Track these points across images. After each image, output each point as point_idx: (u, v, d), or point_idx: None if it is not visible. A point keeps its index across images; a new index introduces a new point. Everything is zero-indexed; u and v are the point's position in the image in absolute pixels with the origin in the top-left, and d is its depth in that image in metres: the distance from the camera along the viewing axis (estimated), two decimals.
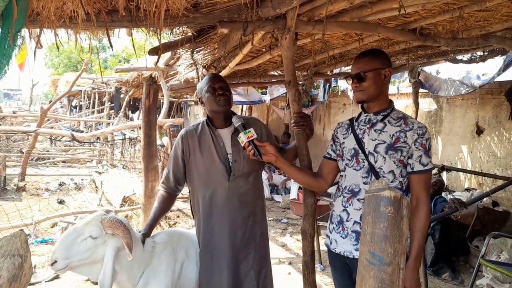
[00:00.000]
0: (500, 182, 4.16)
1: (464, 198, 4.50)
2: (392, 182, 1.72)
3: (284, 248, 4.80)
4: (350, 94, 7.29)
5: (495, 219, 4.38)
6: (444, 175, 5.47)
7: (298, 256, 4.42)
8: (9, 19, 1.68)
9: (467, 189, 5.38)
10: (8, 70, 1.78)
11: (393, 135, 1.71)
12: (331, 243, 1.87)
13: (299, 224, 5.65)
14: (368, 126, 1.79)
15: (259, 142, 1.84)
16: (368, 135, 1.77)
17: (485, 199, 4.64)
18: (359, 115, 1.88)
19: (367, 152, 1.76)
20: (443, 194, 4.70)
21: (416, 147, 1.68)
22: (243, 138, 1.82)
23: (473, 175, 5.46)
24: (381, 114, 1.78)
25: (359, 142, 1.79)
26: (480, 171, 5.33)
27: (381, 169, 1.72)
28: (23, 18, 1.71)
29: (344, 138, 1.89)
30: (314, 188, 1.99)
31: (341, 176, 1.88)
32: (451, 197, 4.49)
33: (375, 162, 1.73)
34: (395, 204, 0.90)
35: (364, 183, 1.76)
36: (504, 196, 4.90)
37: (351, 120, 1.92)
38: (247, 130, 1.84)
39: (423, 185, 1.69)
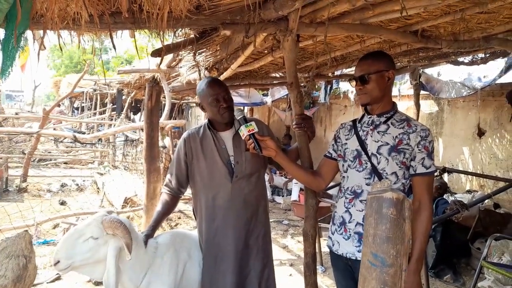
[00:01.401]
0: (501, 184, 4.15)
1: (466, 200, 4.49)
2: (395, 183, 1.72)
3: (285, 249, 4.80)
4: (351, 96, 7.29)
5: (496, 221, 4.37)
6: (446, 177, 5.45)
7: (299, 257, 4.42)
8: (13, 21, 1.69)
9: (469, 191, 5.37)
10: (12, 71, 1.80)
11: (396, 137, 1.71)
12: (333, 245, 1.87)
13: (300, 225, 5.65)
14: (371, 127, 1.80)
15: (260, 136, 1.84)
16: (371, 136, 1.78)
17: (486, 201, 4.63)
18: (362, 116, 1.89)
19: (369, 154, 1.76)
20: (445, 196, 4.69)
21: (419, 150, 1.69)
22: (244, 131, 1.82)
23: (474, 177, 5.45)
24: (385, 116, 1.78)
25: (362, 143, 1.79)
26: (481, 173, 5.32)
27: (384, 170, 1.72)
28: (26, 20, 1.73)
29: (346, 139, 1.89)
30: (312, 186, 2.00)
31: (343, 177, 1.88)
32: (453, 199, 4.49)
33: (378, 163, 1.73)
34: (397, 205, 0.90)
35: (367, 184, 1.76)
36: (505, 198, 4.89)
37: (354, 121, 1.92)
38: (248, 124, 1.84)
39: (425, 188, 1.69)
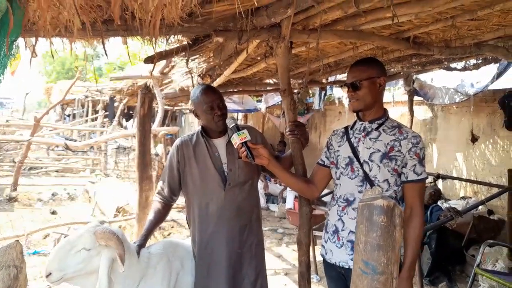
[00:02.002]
0: (495, 190, 4.17)
1: (460, 207, 4.51)
2: (387, 191, 1.72)
3: (280, 258, 4.76)
4: (346, 102, 7.32)
5: (490, 227, 4.38)
6: (440, 183, 5.48)
7: (294, 266, 4.39)
8: (4, 28, 1.67)
9: (463, 198, 5.39)
10: (3, 79, 1.77)
11: (388, 143, 1.72)
12: (326, 253, 1.86)
13: (295, 234, 5.62)
14: (363, 134, 1.79)
15: (253, 144, 1.83)
16: (363, 143, 1.77)
17: (480, 207, 4.65)
18: (354, 123, 1.89)
19: (361, 161, 1.75)
20: (439, 202, 4.70)
21: (410, 156, 1.69)
22: (236, 140, 1.81)
23: (468, 183, 5.48)
24: (376, 122, 1.78)
25: (354, 150, 1.79)
26: (475, 179, 5.34)
27: (376, 177, 1.71)
28: (19, 27, 1.71)
29: (339, 146, 1.88)
30: (306, 194, 1.99)
31: (336, 185, 1.87)
32: (447, 205, 4.50)
33: (370, 170, 1.72)
34: (388, 213, 0.90)
35: (359, 192, 1.75)
36: (499, 204, 4.91)
37: (346, 128, 1.92)
38: (240, 132, 1.83)
39: (417, 194, 1.69)
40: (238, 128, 1.88)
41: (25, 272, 1.46)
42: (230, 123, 1.94)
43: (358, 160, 1.76)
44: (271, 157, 1.86)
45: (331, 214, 1.86)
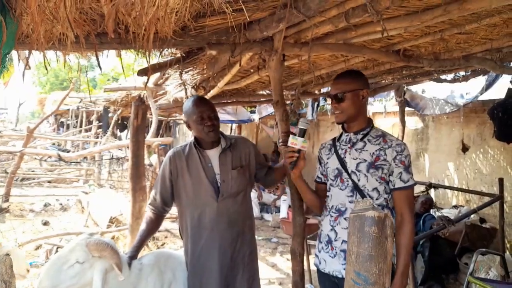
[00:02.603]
0: (486, 199, 4.21)
1: (452, 215, 4.53)
2: (377, 199, 1.74)
3: (274, 268, 4.74)
4: None
5: (482, 235, 4.41)
6: (432, 192, 5.52)
7: (289, 276, 4.37)
8: None
9: (455, 206, 5.43)
10: None
11: (373, 153, 1.75)
12: (320, 263, 1.87)
13: (289, 243, 5.60)
14: (349, 145, 1.83)
15: (304, 156, 1.82)
16: (350, 154, 1.81)
17: (472, 216, 4.68)
18: (341, 135, 1.92)
19: (349, 171, 1.78)
20: (431, 211, 4.73)
21: (396, 164, 1.71)
22: (298, 143, 1.77)
23: (460, 192, 5.53)
24: (361, 133, 1.82)
25: (342, 161, 1.82)
26: (466, 188, 5.39)
27: (365, 187, 1.74)
28: (12, 40, 1.72)
29: (327, 159, 1.92)
30: (319, 210, 1.99)
31: (328, 196, 1.90)
32: (439, 214, 4.53)
33: (358, 180, 1.75)
34: (379, 224, 0.92)
35: (350, 202, 1.78)
36: (491, 212, 4.95)
37: (334, 140, 1.95)
38: (305, 140, 1.80)
39: (405, 201, 1.71)
40: (304, 134, 1.83)
41: (14, 286, 1.44)
42: (303, 124, 1.84)
43: (346, 171, 1.79)
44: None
45: (324, 225, 1.88)
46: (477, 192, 4.91)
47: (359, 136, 1.82)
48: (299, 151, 1.79)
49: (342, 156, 1.83)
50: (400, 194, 1.72)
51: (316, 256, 1.91)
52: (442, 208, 5.53)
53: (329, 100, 7.55)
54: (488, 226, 4.71)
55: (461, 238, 4.22)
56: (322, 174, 1.97)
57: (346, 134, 1.87)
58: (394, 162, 1.71)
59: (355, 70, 2.00)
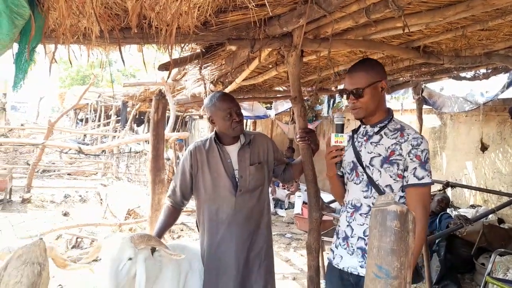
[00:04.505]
0: (505, 199, 4.14)
1: (469, 215, 4.46)
2: None
3: (288, 263, 4.77)
4: None
5: (500, 236, 4.33)
6: (449, 191, 5.44)
7: (302, 271, 4.39)
8: (26, 35, 1.75)
9: (472, 206, 5.34)
10: (23, 84, 1.85)
11: (389, 147, 1.65)
12: (334, 258, 1.83)
13: (303, 239, 5.63)
14: (365, 138, 1.76)
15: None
16: (365, 148, 1.73)
17: (490, 216, 4.60)
18: (359, 127, 1.85)
19: (364, 165, 1.71)
20: (448, 210, 4.68)
21: (410, 159, 1.59)
22: (343, 140, 1.67)
23: (478, 191, 5.44)
24: (378, 126, 1.73)
25: (357, 154, 1.75)
26: (485, 187, 5.30)
27: (378, 183, 1.67)
28: (39, 35, 1.78)
29: (345, 151, 1.83)
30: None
31: (346, 190, 1.86)
32: (456, 213, 4.47)
33: (372, 175, 1.68)
34: (401, 218, 0.92)
35: (365, 197, 1.71)
36: (509, 213, 4.86)
37: (352, 131, 1.89)
38: (339, 134, 1.69)
39: (418, 200, 1.58)
40: (343, 129, 1.74)
41: (47, 269, 1.51)
42: (340, 120, 1.74)
43: (361, 164, 1.72)
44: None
45: (341, 221, 1.85)
46: (495, 192, 4.82)
47: (376, 129, 1.72)
48: (341, 149, 1.69)
49: (358, 149, 1.76)
50: (413, 192, 1.59)
51: (332, 251, 1.87)
52: (459, 208, 5.45)
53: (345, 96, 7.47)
54: (507, 226, 4.63)
55: (478, 238, 4.16)
56: (343, 167, 1.92)
57: (363, 126, 1.80)
58: (409, 156, 1.59)
59: (370, 59, 1.89)
